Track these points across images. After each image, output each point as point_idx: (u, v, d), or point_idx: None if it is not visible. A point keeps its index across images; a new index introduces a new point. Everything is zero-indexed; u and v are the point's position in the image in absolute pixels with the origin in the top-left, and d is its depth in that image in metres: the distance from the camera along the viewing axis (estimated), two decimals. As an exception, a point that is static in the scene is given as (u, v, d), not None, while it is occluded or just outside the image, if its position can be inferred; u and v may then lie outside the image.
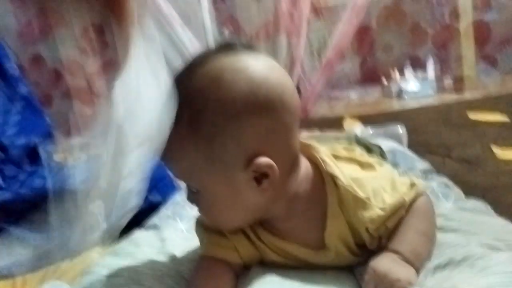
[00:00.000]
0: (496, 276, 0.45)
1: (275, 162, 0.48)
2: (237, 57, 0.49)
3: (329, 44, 2.06)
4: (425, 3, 2.22)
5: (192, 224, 0.60)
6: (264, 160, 0.47)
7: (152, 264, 0.59)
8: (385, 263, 0.50)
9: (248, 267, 0.56)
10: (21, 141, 0.94)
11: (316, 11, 2.17)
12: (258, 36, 2.10)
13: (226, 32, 2.17)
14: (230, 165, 0.47)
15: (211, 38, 2.00)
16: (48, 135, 1.04)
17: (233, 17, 2.19)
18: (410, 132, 1.28)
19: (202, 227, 0.57)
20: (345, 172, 0.53)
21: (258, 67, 0.48)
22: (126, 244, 0.68)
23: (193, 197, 0.53)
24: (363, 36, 2.24)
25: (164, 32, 1.85)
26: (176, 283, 0.55)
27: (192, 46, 1.94)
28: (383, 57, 2.31)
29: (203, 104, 0.47)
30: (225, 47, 0.50)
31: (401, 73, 2.20)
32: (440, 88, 2.18)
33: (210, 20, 2.05)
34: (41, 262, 0.83)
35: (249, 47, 0.51)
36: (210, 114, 0.46)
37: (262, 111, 0.47)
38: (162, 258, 0.62)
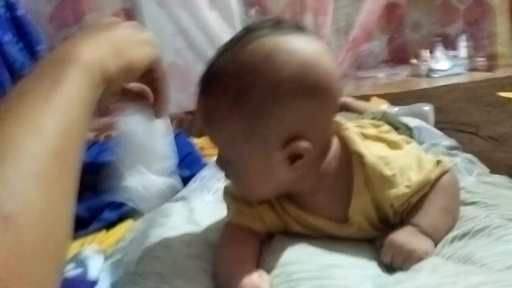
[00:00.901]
0: (512, 243, 0.46)
1: (312, 144, 0.49)
2: (290, 37, 0.49)
3: (355, 22, 2.03)
4: (456, -22, 2.15)
5: (219, 196, 0.62)
6: (303, 143, 0.49)
7: (181, 231, 0.62)
8: (403, 235, 0.51)
9: (272, 235, 0.58)
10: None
11: (343, -12, 2.13)
12: (284, 15, 2.09)
13: (252, 12, 2.16)
14: (268, 142, 0.49)
15: (237, 18, 2.00)
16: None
17: (259, -4, 2.18)
18: (438, 110, 1.26)
19: (230, 195, 0.60)
20: (372, 150, 0.54)
21: (311, 50, 0.49)
22: (156, 215, 0.70)
23: (223, 166, 0.54)
24: (391, 13, 2.19)
25: (190, 13, 1.87)
26: (204, 249, 0.58)
27: (218, 26, 1.95)
28: (412, 35, 2.26)
29: (254, 81, 0.47)
30: (276, 25, 0.50)
31: (431, 51, 2.15)
32: (472, 67, 2.12)
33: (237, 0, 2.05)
34: (78, 231, 0.87)
35: (300, 27, 0.51)
36: (259, 91, 0.47)
37: (309, 95, 0.48)
38: (190, 226, 0.64)
